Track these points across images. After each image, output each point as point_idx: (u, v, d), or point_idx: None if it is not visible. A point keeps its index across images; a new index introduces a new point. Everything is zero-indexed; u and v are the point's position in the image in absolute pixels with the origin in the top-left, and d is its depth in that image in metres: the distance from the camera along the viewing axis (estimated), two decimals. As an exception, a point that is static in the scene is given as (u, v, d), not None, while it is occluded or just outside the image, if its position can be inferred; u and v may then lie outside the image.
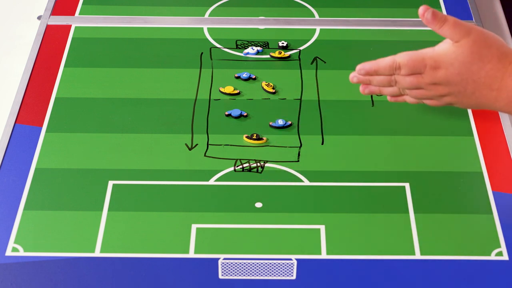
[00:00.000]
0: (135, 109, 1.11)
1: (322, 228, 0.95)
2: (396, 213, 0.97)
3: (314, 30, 1.26)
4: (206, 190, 1.00)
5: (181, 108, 1.11)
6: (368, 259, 0.92)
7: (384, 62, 0.90)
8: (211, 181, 1.01)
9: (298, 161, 1.04)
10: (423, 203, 0.98)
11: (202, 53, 1.21)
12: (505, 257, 0.92)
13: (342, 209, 0.97)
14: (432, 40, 1.25)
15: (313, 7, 1.31)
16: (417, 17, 1.28)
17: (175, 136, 1.07)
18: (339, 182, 1.01)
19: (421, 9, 0.86)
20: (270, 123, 1.09)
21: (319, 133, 1.08)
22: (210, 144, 1.06)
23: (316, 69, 1.18)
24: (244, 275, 0.90)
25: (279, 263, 0.91)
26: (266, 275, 0.90)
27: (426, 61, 0.87)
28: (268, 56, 1.20)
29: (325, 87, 1.15)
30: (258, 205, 0.98)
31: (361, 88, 0.97)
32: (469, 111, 1.11)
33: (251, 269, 0.91)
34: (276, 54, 1.20)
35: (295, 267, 0.91)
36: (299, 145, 1.06)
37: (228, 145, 1.06)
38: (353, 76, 0.95)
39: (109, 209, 0.97)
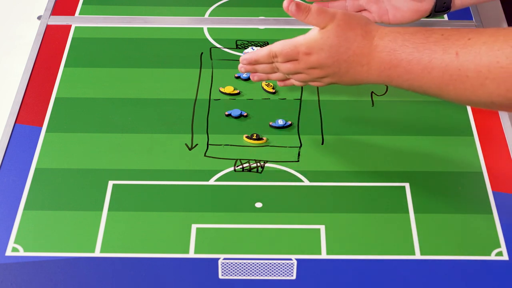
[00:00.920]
0: (135, 109, 1.11)
1: (322, 228, 0.95)
2: (396, 213, 0.97)
3: (314, 30, 1.26)
4: (206, 190, 1.00)
5: (181, 108, 1.11)
6: (368, 259, 0.92)
7: (262, 52, 0.97)
8: (211, 181, 1.01)
9: (298, 161, 1.04)
10: (423, 203, 0.98)
11: (202, 53, 1.21)
12: (505, 257, 0.92)
13: (342, 209, 0.97)
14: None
15: (313, 7, 1.31)
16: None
17: (175, 136, 1.07)
18: (339, 182, 1.01)
19: (285, 3, 0.91)
20: (270, 123, 1.09)
21: (319, 133, 1.08)
22: (210, 144, 1.06)
23: (316, 69, 1.18)
24: (244, 275, 0.90)
25: (279, 263, 0.91)
26: (266, 275, 0.90)
27: (298, 48, 0.92)
28: (268, 56, 1.20)
29: (325, 87, 1.15)
30: (258, 205, 0.98)
31: (250, 76, 1.04)
32: (469, 111, 1.11)
33: (251, 269, 0.91)
34: (276, 54, 1.20)
35: (295, 267, 0.91)
36: (299, 145, 1.06)
37: (228, 145, 1.06)
38: (240, 66, 1.01)
39: (109, 209, 0.97)
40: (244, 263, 0.91)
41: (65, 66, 1.18)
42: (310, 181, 1.01)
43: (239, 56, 1.20)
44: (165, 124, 1.09)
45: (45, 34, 1.24)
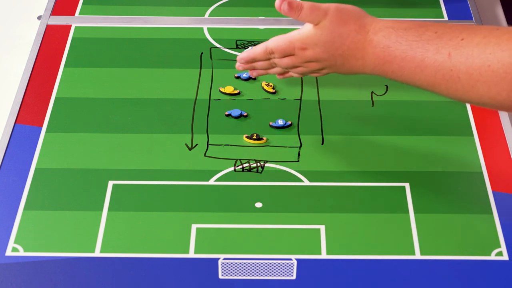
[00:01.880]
0: (135, 109, 1.11)
1: (322, 228, 0.95)
2: (396, 213, 0.97)
3: (314, 30, 1.25)
4: (206, 190, 1.00)
5: (181, 108, 1.11)
6: (368, 259, 0.92)
7: (258, 49, 0.98)
8: (211, 181, 1.01)
9: (298, 161, 1.04)
10: (423, 203, 0.98)
11: (202, 53, 1.21)
12: (505, 257, 0.92)
13: (342, 209, 0.97)
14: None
15: (313, 7, 1.31)
16: (418, 17, 1.29)
17: (175, 136, 1.07)
18: (339, 182, 1.01)
19: (277, 2, 0.92)
20: (270, 123, 1.09)
21: (319, 133, 1.08)
22: (210, 144, 1.06)
23: (316, 69, 1.18)
24: (244, 275, 0.90)
25: (279, 263, 0.91)
26: (266, 275, 0.90)
27: (293, 43, 0.93)
28: (268, 56, 1.20)
29: (325, 87, 1.15)
30: (258, 205, 0.98)
31: (249, 72, 1.05)
32: (469, 111, 1.11)
33: (251, 269, 0.91)
34: (276, 54, 1.20)
35: (295, 267, 0.91)
36: (299, 145, 1.06)
37: (228, 145, 1.06)
38: (238, 65, 1.03)
39: (109, 209, 0.97)
40: (244, 263, 0.91)
41: (65, 66, 1.18)
42: (310, 181, 1.01)
43: (239, 56, 1.20)
44: (165, 124, 1.09)
45: (45, 34, 1.24)
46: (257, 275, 0.90)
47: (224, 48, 1.22)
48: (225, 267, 0.91)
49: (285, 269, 0.91)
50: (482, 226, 0.96)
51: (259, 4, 1.31)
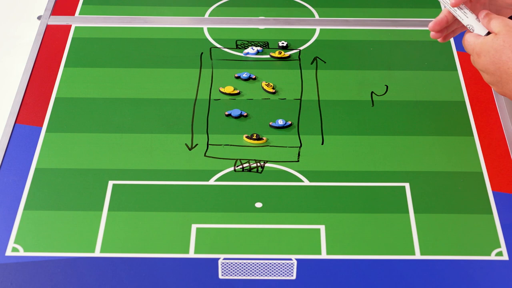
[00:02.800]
0: (135, 109, 1.11)
1: (322, 228, 0.95)
2: (396, 213, 0.97)
3: (314, 30, 1.26)
4: (206, 190, 1.00)
5: (181, 108, 1.11)
6: (368, 259, 0.92)
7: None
8: (211, 181, 1.01)
9: (298, 161, 1.04)
10: (423, 203, 0.98)
11: (202, 53, 1.21)
12: (505, 257, 0.92)
13: (342, 209, 0.97)
14: (432, 40, 1.25)
15: (313, 7, 1.31)
16: (417, 17, 1.29)
17: (175, 136, 1.07)
18: (339, 182, 1.01)
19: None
20: (270, 123, 1.09)
21: (319, 133, 1.08)
22: (210, 144, 1.06)
23: (316, 69, 1.18)
24: (244, 275, 0.90)
25: (279, 263, 0.91)
26: (266, 275, 0.90)
27: (474, 46, 0.92)
28: (268, 56, 1.20)
29: (325, 87, 1.15)
30: (258, 205, 0.98)
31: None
32: (469, 111, 1.11)
33: (251, 269, 0.91)
34: (276, 54, 1.20)
35: (295, 267, 0.91)
36: (299, 145, 1.06)
37: (228, 145, 1.06)
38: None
39: (109, 209, 0.97)
40: (244, 263, 0.91)
41: (65, 66, 1.18)
42: (310, 181, 1.01)
43: (239, 56, 1.20)
44: (165, 124, 1.09)
45: (45, 34, 1.24)
46: (257, 275, 0.90)
47: (224, 48, 1.22)
48: (225, 267, 0.91)
49: (285, 269, 0.91)
50: (482, 226, 0.96)
51: (259, 4, 1.31)
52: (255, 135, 1.07)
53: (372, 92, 1.14)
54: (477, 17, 0.93)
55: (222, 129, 1.08)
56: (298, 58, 1.20)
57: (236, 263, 0.91)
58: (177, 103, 1.12)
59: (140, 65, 1.18)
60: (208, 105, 1.12)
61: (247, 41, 1.23)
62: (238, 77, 1.16)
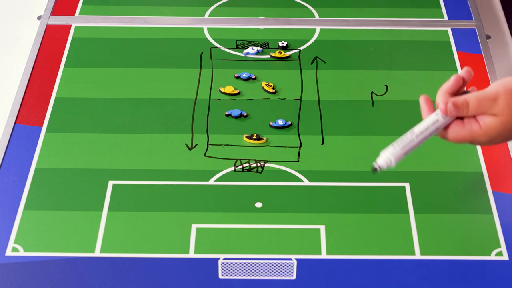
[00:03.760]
0: (135, 109, 1.11)
1: (322, 228, 0.95)
2: (396, 213, 0.97)
3: (314, 30, 1.26)
4: (206, 190, 1.00)
5: (181, 108, 1.11)
6: (368, 259, 0.92)
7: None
8: (211, 181, 1.01)
9: (298, 161, 1.04)
10: (423, 203, 0.98)
11: (202, 53, 1.21)
12: (505, 257, 0.92)
13: (342, 209, 0.97)
14: (432, 40, 1.25)
15: (313, 7, 1.31)
16: (417, 17, 1.29)
17: (175, 136, 1.07)
18: (339, 182, 1.01)
19: (441, 107, 0.85)
20: (270, 123, 1.09)
21: (319, 133, 1.08)
22: (210, 144, 1.06)
23: (316, 69, 1.18)
24: (244, 275, 0.90)
25: (279, 263, 0.91)
26: (266, 275, 0.90)
27: (475, 133, 0.86)
28: (268, 56, 1.20)
29: (325, 87, 1.15)
30: (258, 205, 0.98)
31: None
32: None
33: (251, 269, 0.91)
34: (276, 54, 1.20)
35: (295, 267, 0.91)
36: (299, 145, 1.06)
37: (228, 145, 1.06)
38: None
39: (109, 209, 0.97)
40: (244, 263, 0.91)
41: (65, 66, 1.18)
42: (310, 181, 1.01)
43: (239, 56, 1.20)
44: (165, 124, 1.09)
45: (45, 34, 1.24)
46: (257, 275, 0.90)
47: (224, 48, 1.22)
48: (225, 267, 0.91)
49: (285, 269, 0.91)
50: (482, 226, 0.95)
51: (259, 4, 1.31)
52: (255, 135, 1.07)
53: (372, 92, 1.14)
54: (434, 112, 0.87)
55: (222, 129, 1.08)
56: (298, 58, 1.20)
57: (236, 263, 0.91)
58: (177, 103, 1.12)
59: (140, 65, 1.18)
60: (208, 105, 1.12)
61: (247, 41, 1.23)
62: (238, 77, 1.16)
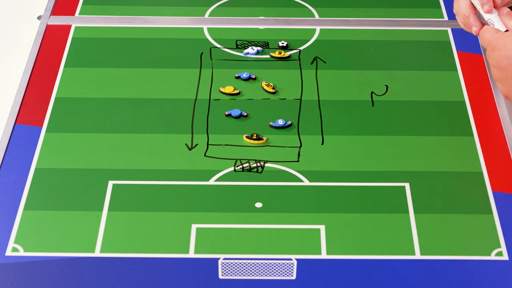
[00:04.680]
0: (135, 109, 1.11)
1: (322, 228, 0.95)
2: (396, 213, 0.97)
3: (314, 30, 1.26)
4: (206, 190, 1.00)
5: (181, 108, 1.11)
6: (368, 259, 0.92)
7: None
8: (211, 181, 1.01)
9: (298, 161, 1.04)
10: (423, 203, 0.98)
11: (202, 53, 1.21)
12: (505, 257, 0.92)
13: (342, 209, 0.97)
14: (432, 40, 1.25)
15: (313, 7, 1.31)
16: (417, 17, 1.29)
17: (175, 136, 1.07)
18: (339, 182, 1.01)
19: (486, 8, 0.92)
20: (270, 123, 1.09)
21: (319, 133, 1.08)
22: (210, 144, 1.06)
23: (316, 69, 1.18)
24: (244, 275, 0.90)
25: (279, 263, 0.91)
26: (266, 275, 0.90)
27: (491, 39, 0.92)
28: (268, 56, 1.21)
29: (325, 87, 1.15)
30: (258, 205, 0.98)
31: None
32: (469, 111, 1.11)
33: (251, 269, 0.91)
34: (276, 54, 1.20)
35: (295, 267, 0.91)
36: (299, 145, 1.06)
37: (228, 145, 1.06)
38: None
39: (109, 209, 0.97)
40: (244, 263, 0.91)
41: (65, 66, 1.18)
42: (310, 181, 1.01)
43: (239, 56, 1.20)
44: (165, 124, 1.09)
45: (45, 34, 1.24)
46: (257, 275, 0.90)
47: (224, 48, 1.22)
48: (225, 267, 0.91)
49: (285, 269, 0.91)
50: (482, 226, 0.96)
51: (259, 4, 1.31)
52: (255, 135, 1.07)
53: (372, 92, 1.14)
54: (498, 13, 0.93)
55: (222, 129, 1.08)
56: (298, 58, 1.20)
57: (236, 263, 0.91)
58: (177, 103, 1.12)
59: (140, 65, 1.18)
60: (208, 105, 1.12)
61: (247, 41, 1.23)
62: (238, 77, 1.16)
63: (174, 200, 0.98)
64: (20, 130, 1.08)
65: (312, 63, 1.19)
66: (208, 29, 1.26)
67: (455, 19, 1.29)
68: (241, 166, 1.03)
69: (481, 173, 1.02)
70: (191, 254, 0.92)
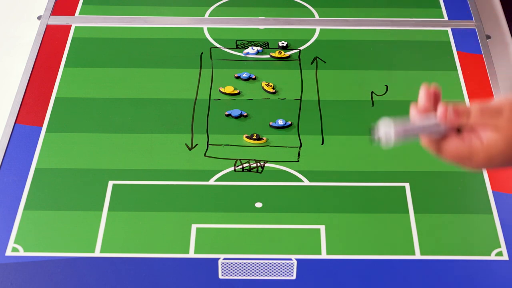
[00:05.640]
0: (135, 109, 1.11)
1: (322, 228, 0.95)
2: (396, 213, 0.97)
3: (314, 30, 1.26)
4: (206, 190, 1.00)
5: (181, 108, 1.11)
6: (368, 259, 0.92)
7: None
8: (211, 181, 1.01)
9: (298, 161, 1.04)
10: (423, 203, 0.98)
11: (202, 53, 1.21)
12: (505, 257, 0.92)
13: (342, 209, 0.97)
14: (432, 40, 1.25)
15: (313, 7, 1.31)
16: (417, 17, 1.29)
17: (175, 136, 1.07)
18: (339, 182, 1.01)
19: (441, 111, 0.77)
20: (270, 123, 1.09)
21: (319, 133, 1.08)
22: (210, 144, 1.06)
23: (316, 69, 1.18)
24: (244, 275, 0.90)
25: (279, 263, 0.91)
26: (266, 275, 0.90)
27: (474, 150, 0.78)
28: (268, 56, 1.20)
29: (325, 87, 1.15)
30: (258, 205, 0.98)
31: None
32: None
33: (251, 269, 0.91)
34: (276, 54, 1.20)
35: (295, 267, 0.91)
36: (299, 145, 1.06)
37: (228, 145, 1.06)
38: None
39: (109, 209, 0.97)
40: (244, 263, 0.91)
41: (65, 66, 1.18)
42: (310, 181, 1.01)
43: (239, 56, 1.20)
44: (165, 124, 1.09)
45: (45, 34, 1.24)
46: (257, 275, 0.90)
47: (224, 48, 1.22)
48: (225, 267, 0.91)
49: (285, 269, 0.91)
50: (482, 226, 0.96)
51: (259, 4, 1.31)
52: (255, 135, 1.07)
53: (372, 92, 1.14)
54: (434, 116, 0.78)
55: (222, 129, 1.08)
56: (298, 58, 1.20)
57: (236, 263, 0.91)
58: (177, 103, 1.12)
59: (140, 65, 1.18)
60: (208, 105, 1.12)
61: (247, 41, 1.23)
62: (238, 77, 1.16)
63: (174, 200, 0.98)
64: (20, 130, 1.08)
65: (312, 63, 1.19)
66: (208, 29, 1.26)
67: (456, 19, 1.29)
68: (241, 166, 1.03)
69: (481, 173, 1.02)
70: (191, 254, 0.92)
